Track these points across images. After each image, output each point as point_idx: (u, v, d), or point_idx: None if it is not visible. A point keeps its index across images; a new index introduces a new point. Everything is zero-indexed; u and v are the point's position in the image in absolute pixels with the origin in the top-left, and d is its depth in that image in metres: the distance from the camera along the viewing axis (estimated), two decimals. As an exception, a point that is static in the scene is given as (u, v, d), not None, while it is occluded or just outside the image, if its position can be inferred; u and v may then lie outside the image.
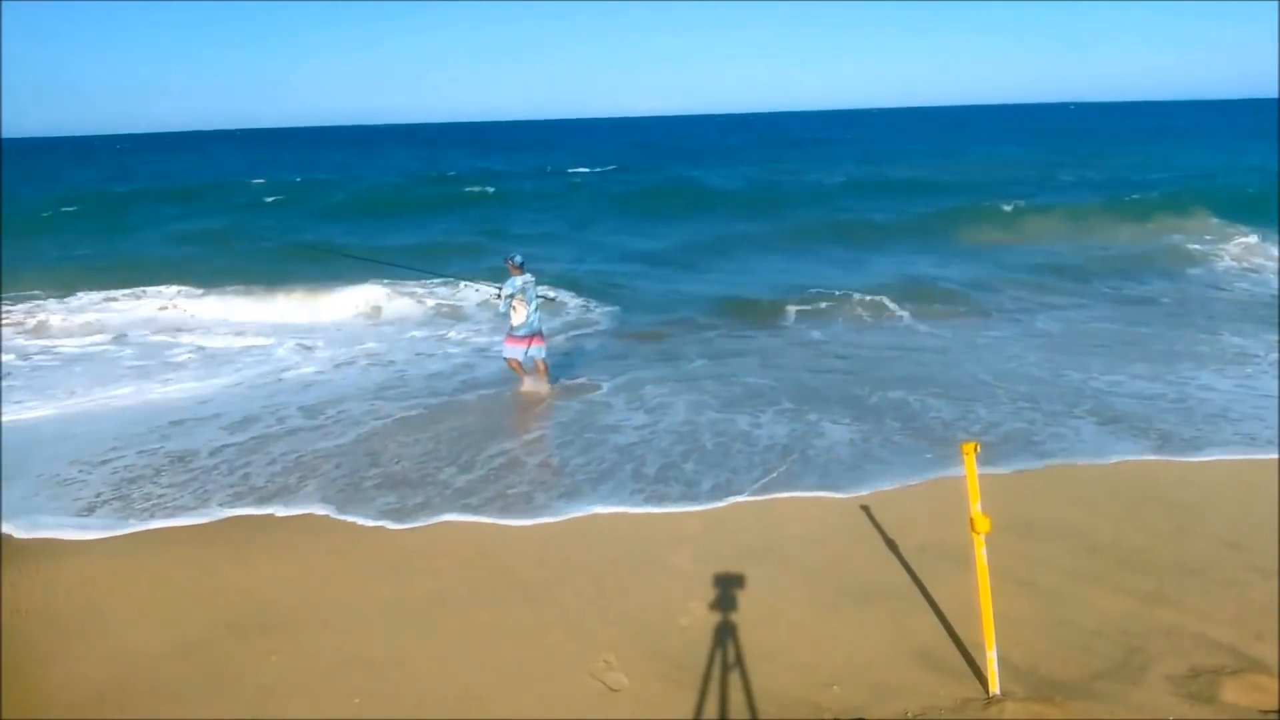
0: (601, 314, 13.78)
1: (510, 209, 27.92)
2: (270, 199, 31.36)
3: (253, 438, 8.17)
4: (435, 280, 14.46)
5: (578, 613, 5.06)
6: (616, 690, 4.35)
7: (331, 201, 30.07)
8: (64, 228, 24.69)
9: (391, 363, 11.15)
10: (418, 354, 11.63)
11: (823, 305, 13.89)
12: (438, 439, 8.03)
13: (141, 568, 5.79)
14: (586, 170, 40.30)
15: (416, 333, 12.92)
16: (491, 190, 31.75)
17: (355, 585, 5.49)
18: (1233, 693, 4.14)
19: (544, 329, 9.35)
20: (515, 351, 9.07)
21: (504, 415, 8.86)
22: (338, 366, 11.01)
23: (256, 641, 4.86)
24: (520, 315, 8.93)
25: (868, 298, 14.03)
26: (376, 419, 8.63)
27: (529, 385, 9.25)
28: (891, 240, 20.66)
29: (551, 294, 12.28)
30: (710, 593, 5.19)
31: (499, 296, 9.11)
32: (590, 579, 5.46)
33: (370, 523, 6.36)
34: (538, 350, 9.18)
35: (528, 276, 9.03)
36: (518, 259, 9.04)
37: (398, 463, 7.50)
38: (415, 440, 8.02)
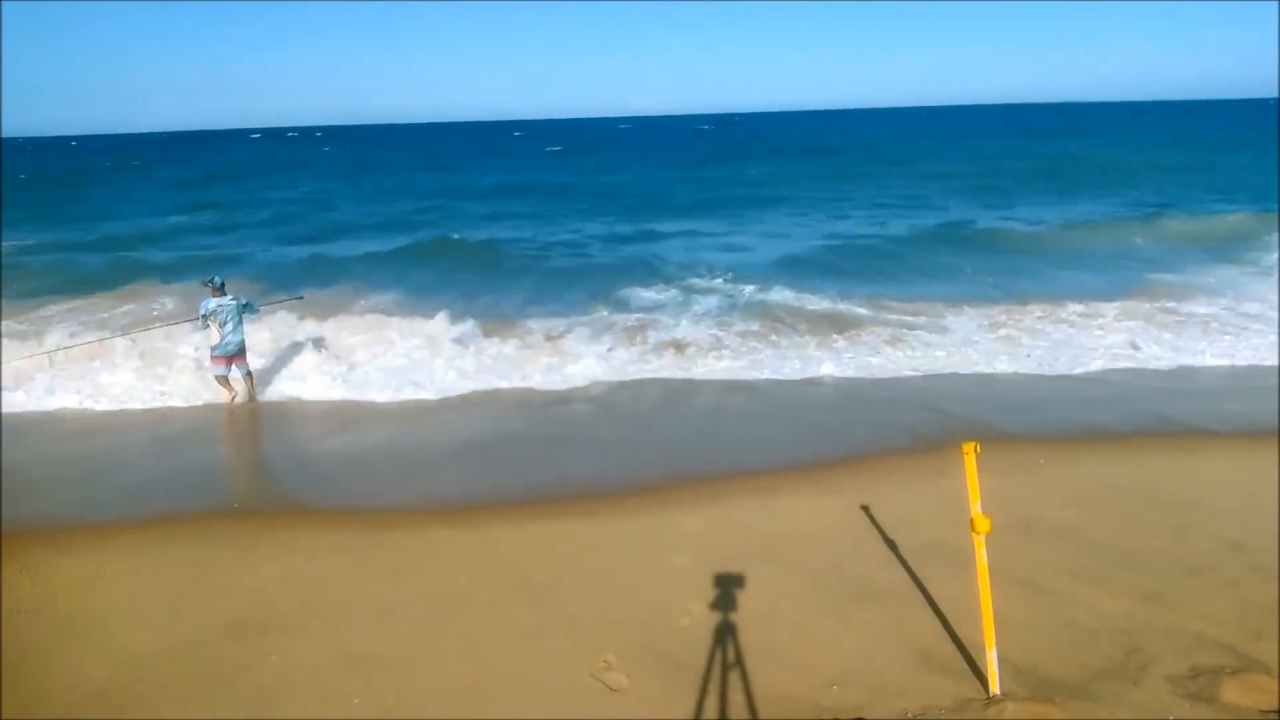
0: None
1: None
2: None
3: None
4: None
5: (578, 613, 5.06)
6: (616, 690, 4.35)
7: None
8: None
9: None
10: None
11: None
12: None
13: (141, 567, 5.79)
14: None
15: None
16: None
17: (355, 585, 5.48)
18: (1233, 693, 4.14)
19: (246, 346, 9.36)
20: (220, 369, 9.13)
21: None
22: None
23: (256, 641, 4.86)
24: (215, 336, 8.96)
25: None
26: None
27: (233, 400, 9.24)
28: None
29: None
30: (710, 593, 5.19)
31: (199, 317, 9.16)
32: (590, 579, 5.45)
33: (369, 522, 6.36)
34: (240, 369, 9.25)
35: (224, 299, 9.02)
36: (216, 280, 9.09)
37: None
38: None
